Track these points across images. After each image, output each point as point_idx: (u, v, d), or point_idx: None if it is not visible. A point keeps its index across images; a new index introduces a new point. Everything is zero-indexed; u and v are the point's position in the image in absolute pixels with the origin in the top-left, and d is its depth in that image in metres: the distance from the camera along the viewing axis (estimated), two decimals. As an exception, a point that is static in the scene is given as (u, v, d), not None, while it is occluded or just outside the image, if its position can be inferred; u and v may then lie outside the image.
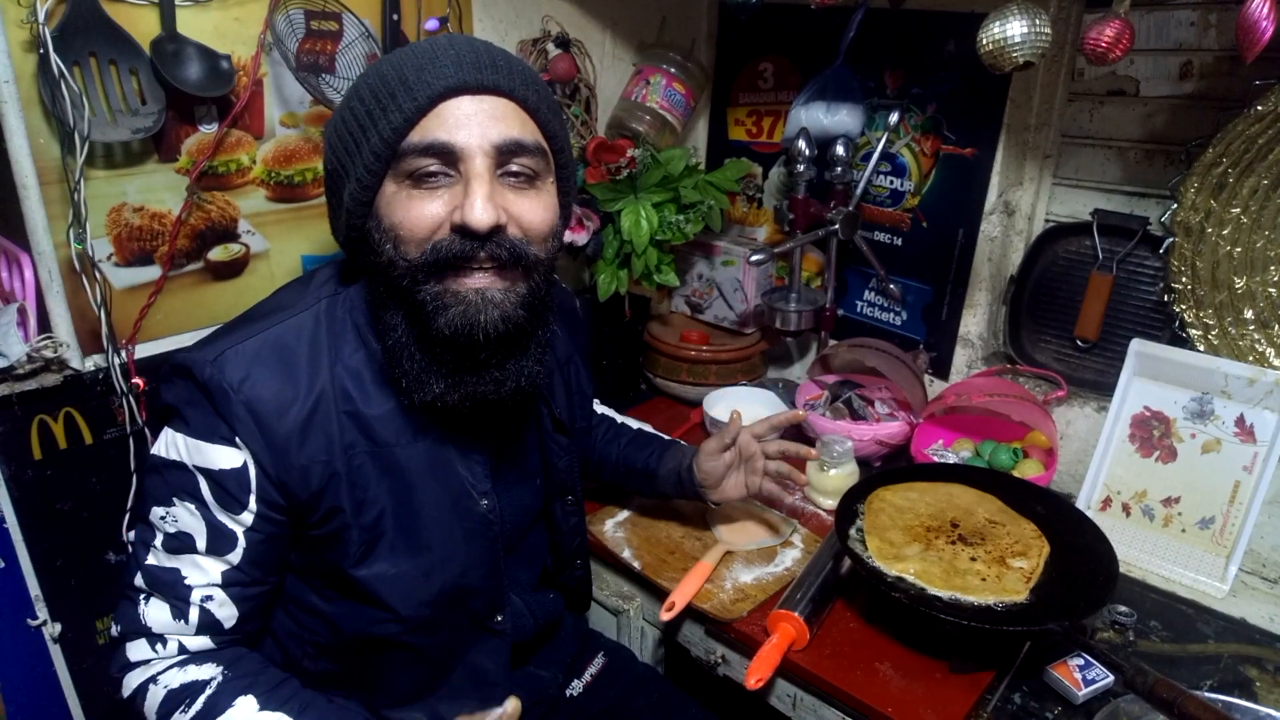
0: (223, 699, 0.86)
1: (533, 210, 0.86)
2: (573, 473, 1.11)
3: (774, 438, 1.24)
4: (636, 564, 1.28)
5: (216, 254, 1.25)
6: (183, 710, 0.86)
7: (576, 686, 1.17)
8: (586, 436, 1.25)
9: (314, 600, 0.94)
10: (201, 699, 0.86)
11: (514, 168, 0.84)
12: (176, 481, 0.86)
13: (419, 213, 0.82)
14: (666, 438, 1.35)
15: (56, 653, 1.19)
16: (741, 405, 1.66)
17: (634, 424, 1.38)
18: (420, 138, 0.81)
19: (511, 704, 0.97)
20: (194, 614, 0.87)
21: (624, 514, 1.40)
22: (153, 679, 0.87)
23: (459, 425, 0.94)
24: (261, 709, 0.87)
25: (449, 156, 0.81)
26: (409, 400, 0.89)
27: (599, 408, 1.37)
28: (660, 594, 1.21)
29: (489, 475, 0.98)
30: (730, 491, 1.22)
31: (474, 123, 0.81)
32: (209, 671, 0.88)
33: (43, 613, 1.17)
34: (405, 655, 0.96)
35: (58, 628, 1.18)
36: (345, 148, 0.85)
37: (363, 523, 0.90)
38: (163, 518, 0.87)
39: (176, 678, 0.87)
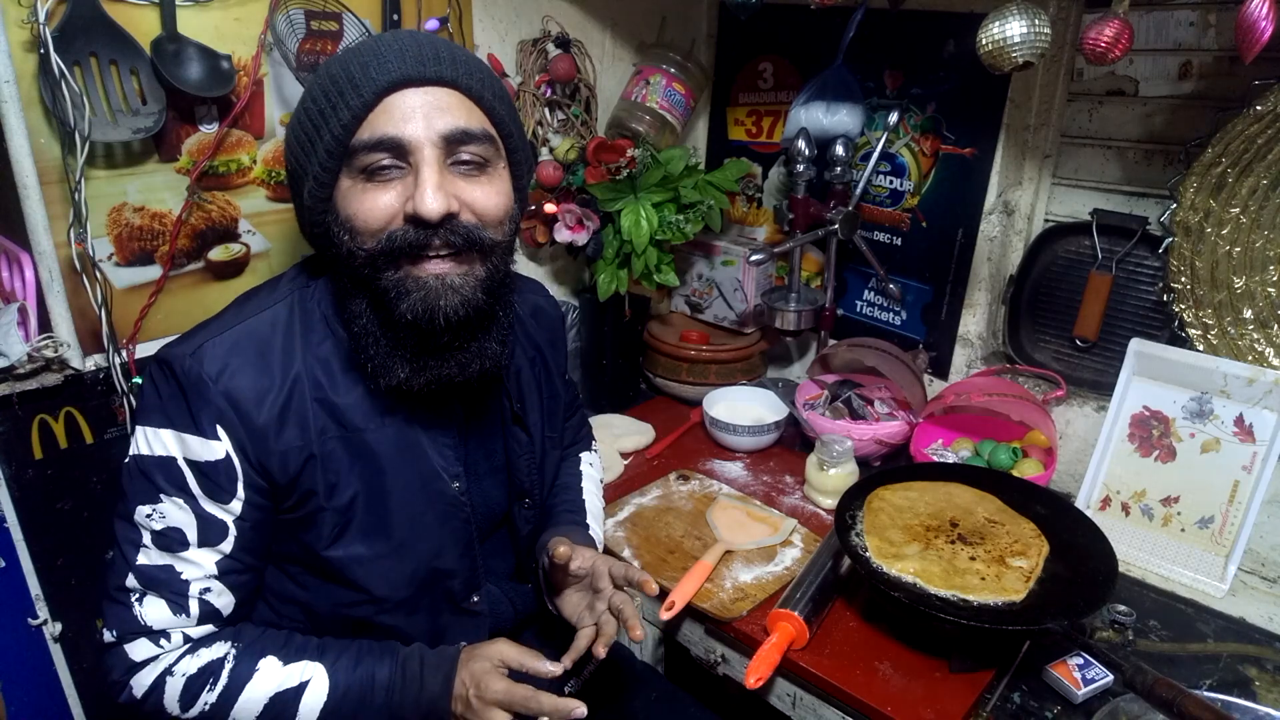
0: (244, 668, 0.88)
1: (485, 196, 0.88)
2: (532, 475, 1.10)
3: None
4: (636, 563, 1.28)
5: (217, 254, 1.25)
6: (209, 689, 0.87)
7: (575, 684, 1.17)
8: (557, 449, 1.19)
9: (290, 588, 0.96)
10: (225, 674, 0.88)
11: (464, 156, 0.86)
12: (162, 477, 0.87)
13: (372, 205, 0.85)
14: (585, 513, 1.18)
15: (57, 652, 1.19)
16: (741, 405, 1.67)
17: (592, 490, 1.24)
18: (369, 134, 0.83)
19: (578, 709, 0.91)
20: (194, 606, 0.88)
21: (624, 514, 1.40)
22: (167, 671, 0.88)
23: (427, 410, 0.97)
24: (286, 664, 0.89)
25: (399, 150, 0.84)
26: (375, 385, 0.91)
27: (584, 461, 1.28)
28: (660, 593, 1.21)
29: (460, 459, 1.00)
30: (566, 607, 1.06)
31: (419, 115, 0.84)
32: (221, 650, 0.90)
33: (43, 612, 1.17)
34: (385, 637, 0.97)
35: (58, 627, 1.18)
36: (302, 148, 0.87)
37: (335, 505, 0.92)
38: (149, 515, 0.88)
39: (192, 664, 0.88)
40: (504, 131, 0.91)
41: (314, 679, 0.89)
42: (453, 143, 0.85)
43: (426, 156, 0.84)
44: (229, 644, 0.90)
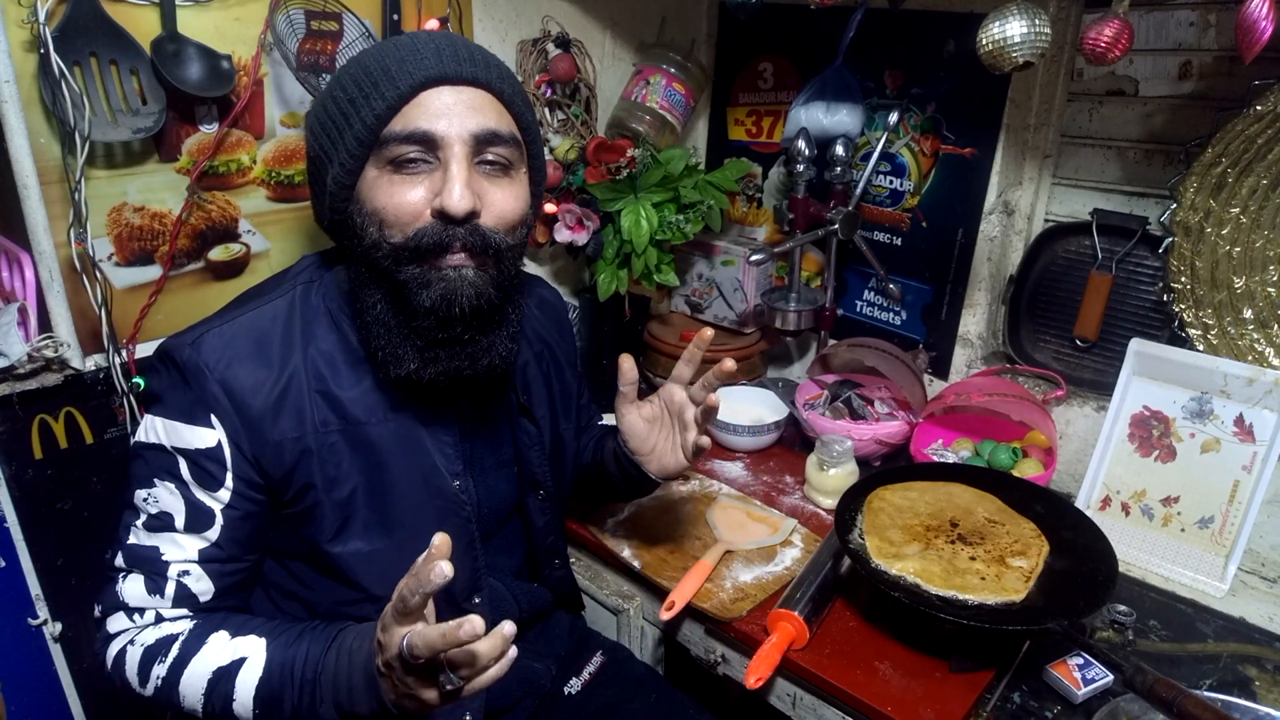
0: (193, 641, 0.89)
1: (505, 199, 0.90)
2: (543, 467, 1.11)
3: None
4: (636, 563, 1.28)
5: (217, 254, 1.25)
6: (159, 661, 0.88)
7: (575, 684, 1.17)
8: (574, 440, 1.22)
9: (291, 584, 0.97)
10: (176, 646, 0.89)
11: (490, 157, 0.88)
12: (157, 463, 0.90)
13: (402, 199, 0.86)
14: None
15: (57, 652, 1.20)
16: (741, 405, 1.67)
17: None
18: (402, 126, 0.85)
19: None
20: (170, 588, 0.90)
21: (624, 513, 1.40)
22: (130, 641, 0.90)
23: (430, 406, 0.97)
24: (234, 637, 0.90)
25: (430, 144, 0.85)
26: (384, 375, 0.92)
27: (609, 419, 1.32)
28: (660, 593, 1.22)
29: (460, 456, 1.00)
30: (667, 459, 1.10)
31: (454, 113, 0.85)
32: (181, 625, 0.91)
33: (43, 612, 1.17)
34: None
35: (58, 627, 1.18)
36: (328, 134, 0.88)
37: (335, 498, 0.93)
38: (145, 499, 0.91)
39: (151, 635, 0.90)
40: (529, 137, 0.93)
41: (251, 656, 0.88)
42: (482, 143, 0.87)
43: (456, 153, 0.85)
44: (190, 621, 0.91)
